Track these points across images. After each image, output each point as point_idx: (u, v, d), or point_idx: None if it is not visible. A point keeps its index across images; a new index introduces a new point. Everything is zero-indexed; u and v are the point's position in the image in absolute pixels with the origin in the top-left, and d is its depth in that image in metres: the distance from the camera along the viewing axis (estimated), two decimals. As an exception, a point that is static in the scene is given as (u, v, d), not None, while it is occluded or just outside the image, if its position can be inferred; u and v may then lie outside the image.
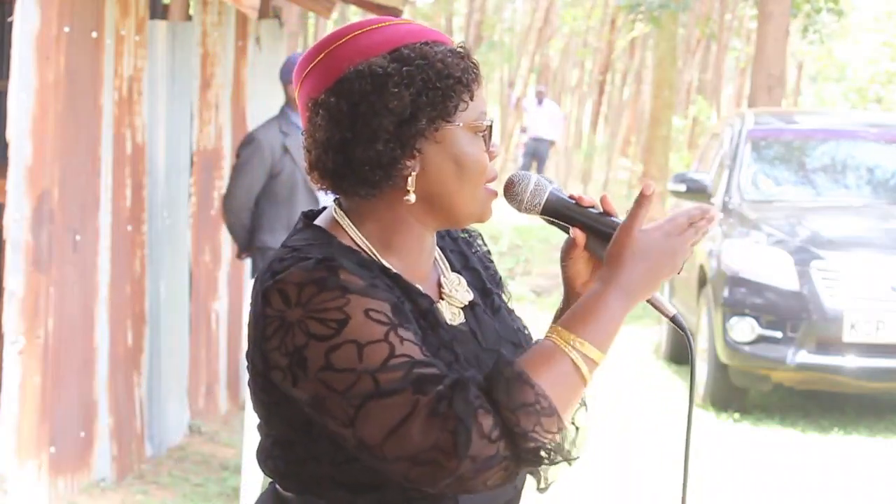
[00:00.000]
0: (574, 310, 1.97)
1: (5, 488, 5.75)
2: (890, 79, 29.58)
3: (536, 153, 25.37)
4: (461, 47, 2.06)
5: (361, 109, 1.98)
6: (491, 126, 2.06)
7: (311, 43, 27.64)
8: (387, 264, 2.03)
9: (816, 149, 10.73)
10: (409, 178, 2.00)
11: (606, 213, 2.06)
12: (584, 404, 2.13)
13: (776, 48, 13.93)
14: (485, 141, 2.05)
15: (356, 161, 2.00)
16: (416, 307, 2.01)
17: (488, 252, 2.26)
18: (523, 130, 25.66)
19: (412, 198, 2.01)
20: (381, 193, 2.02)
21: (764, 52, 13.94)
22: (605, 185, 28.53)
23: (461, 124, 2.02)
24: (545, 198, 2.07)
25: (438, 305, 2.07)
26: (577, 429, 2.11)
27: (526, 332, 2.19)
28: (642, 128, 26.57)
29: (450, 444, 1.85)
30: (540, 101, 25.58)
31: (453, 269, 2.16)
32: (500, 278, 2.24)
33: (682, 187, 10.20)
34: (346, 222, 2.05)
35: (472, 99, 2.03)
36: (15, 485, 5.77)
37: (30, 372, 5.77)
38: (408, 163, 2.00)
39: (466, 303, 2.11)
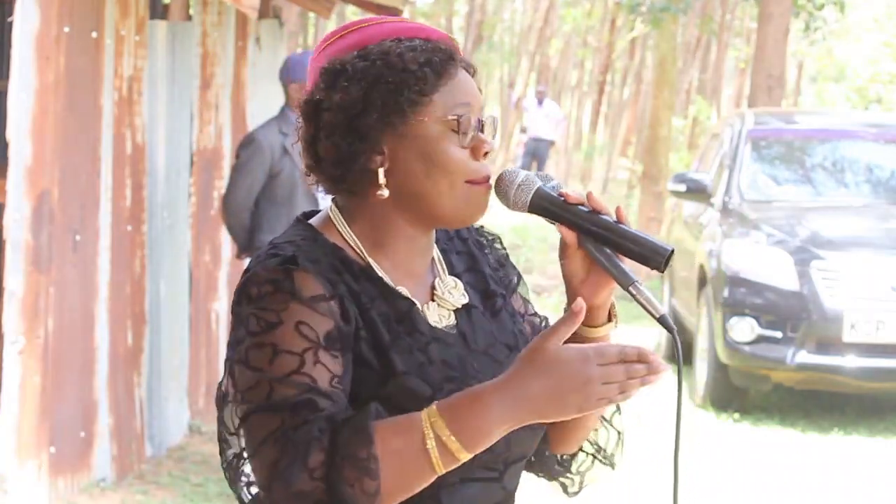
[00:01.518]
0: (460, 395, 1.88)
1: (5, 488, 5.75)
2: (891, 79, 29.57)
3: (536, 153, 25.37)
4: (439, 42, 2.06)
5: (321, 106, 2.02)
6: (471, 119, 2.03)
7: (311, 43, 27.65)
8: (373, 263, 2.03)
9: (816, 149, 10.72)
10: (379, 173, 2.01)
11: (595, 211, 2.02)
12: (619, 409, 2.18)
13: (776, 48, 13.92)
14: (463, 135, 2.03)
15: (320, 156, 2.03)
16: (394, 310, 2.01)
17: (506, 256, 2.22)
18: (523, 130, 25.67)
19: (384, 192, 2.01)
20: (363, 191, 2.04)
21: (764, 52, 13.94)
22: (605, 185, 28.52)
23: (426, 119, 2.01)
24: (531, 195, 2.03)
25: (425, 307, 2.06)
26: (618, 433, 2.17)
27: (523, 334, 2.15)
28: (642, 128, 26.55)
29: (278, 467, 1.85)
30: (540, 102, 25.58)
31: (453, 272, 2.14)
32: (516, 282, 2.21)
33: (682, 187, 10.20)
34: (338, 220, 2.07)
35: (434, 92, 2.01)
36: (15, 485, 5.77)
37: (30, 372, 5.77)
38: (374, 158, 2.01)
39: (459, 306, 2.09)
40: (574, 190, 2.01)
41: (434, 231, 2.11)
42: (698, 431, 8.64)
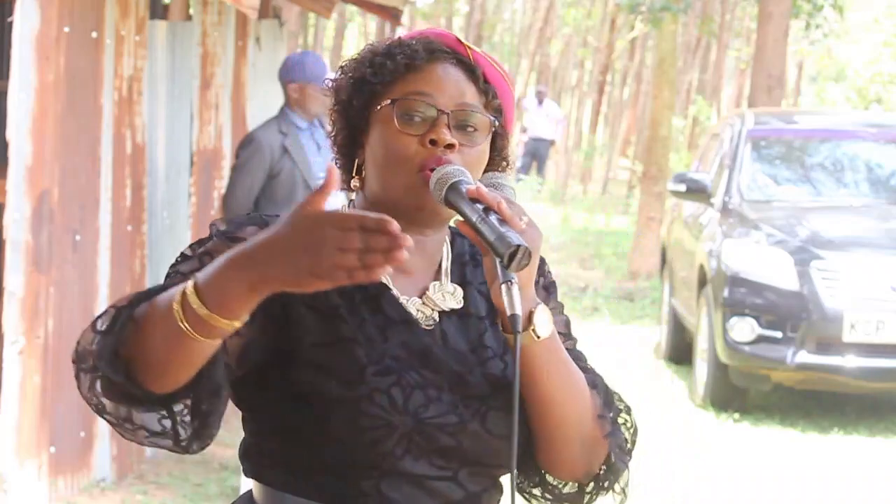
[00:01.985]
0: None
1: (5, 488, 5.75)
2: (891, 79, 29.57)
3: (536, 153, 25.39)
4: (428, 39, 2.12)
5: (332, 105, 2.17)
6: (417, 107, 2.07)
7: (311, 43, 27.64)
8: None
9: (816, 149, 10.73)
10: (359, 165, 2.13)
11: (504, 219, 1.97)
12: (629, 409, 2.18)
13: (776, 48, 13.92)
14: (406, 122, 2.07)
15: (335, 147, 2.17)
16: (360, 290, 2.07)
17: (551, 284, 2.21)
18: (523, 131, 25.69)
19: (355, 182, 2.12)
20: (359, 186, 2.14)
21: (764, 52, 13.94)
22: (605, 185, 28.52)
23: (381, 107, 2.09)
24: (444, 190, 2.02)
25: (407, 300, 2.10)
26: (635, 429, 2.18)
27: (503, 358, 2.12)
28: (642, 128, 26.56)
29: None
30: (540, 102, 25.58)
31: (462, 281, 2.16)
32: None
33: (682, 187, 10.20)
34: (339, 204, 2.17)
35: (395, 83, 2.08)
36: (15, 485, 5.77)
37: (30, 372, 5.77)
38: (359, 151, 2.13)
39: (447, 308, 2.12)
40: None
41: (440, 234, 2.14)
42: (698, 431, 8.64)
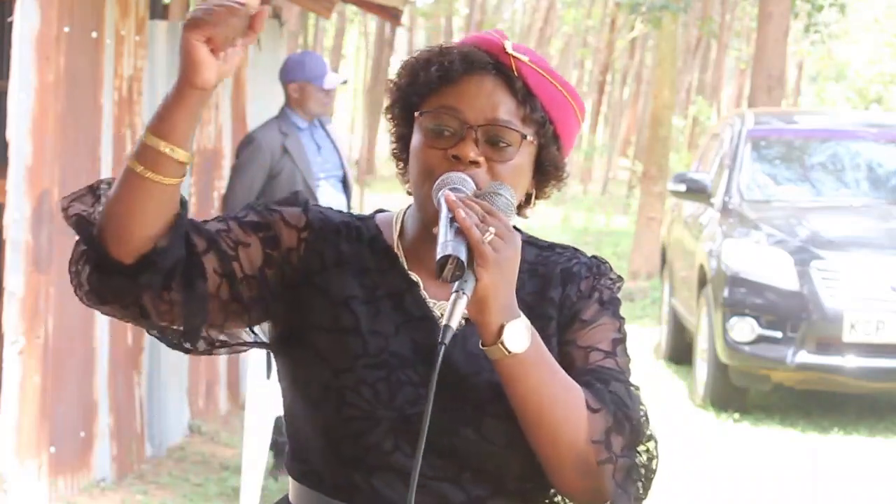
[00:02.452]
0: None
1: (5, 488, 5.75)
2: (892, 79, 29.57)
3: (536, 153, 25.34)
4: (469, 47, 2.12)
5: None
6: (442, 121, 2.08)
7: (311, 43, 27.64)
8: (399, 248, 2.14)
9: (816, 149, 10.73)
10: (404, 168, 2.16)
11: (461, 228, 1.96)
12: (651, 438, 2.14)
13: (776, 48, 13.92)
14: (435, 136, 2.08)
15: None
16: (387, 285, 2.09)
17: (609, 300, 2.15)
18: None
19: (408, 187, 2.15)
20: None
21: (764, 52, 13.94)
22: (605, 185, 28.53)
23: (417, 118, 2.11)
24: (436, 197, 2.03)
25: (436, 303, 2.10)
26: (652, 459, 2.13)
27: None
28: (642, 128, 26.56)
29: None
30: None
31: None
32: (592, 318, 2.12)
33: (682, 187, 10.20)
34: (401, 211, 2.20)
35: (432, 94, 2.10)
36: (15, 485, 5.77)
37: (30, 372, 5.77)
38: (405, 155, 2.15)
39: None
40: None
41: None
42: (698, 431, 8.64)
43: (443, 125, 2.08)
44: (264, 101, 8.20)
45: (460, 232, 1.94)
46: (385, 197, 24.04)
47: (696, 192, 10.15)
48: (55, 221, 5.78)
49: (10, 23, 5.73)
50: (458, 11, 36.23)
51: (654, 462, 2.12)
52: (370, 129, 29.66)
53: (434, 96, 2.09)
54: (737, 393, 9.20)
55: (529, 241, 2.18)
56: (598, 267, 2.18)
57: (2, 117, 6.05)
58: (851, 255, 8.96)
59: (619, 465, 2.03)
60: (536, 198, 2.18)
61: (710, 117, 27.30)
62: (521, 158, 2.10)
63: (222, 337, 2.13)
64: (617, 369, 2.09)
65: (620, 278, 2.21)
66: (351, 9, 24.07)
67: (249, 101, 8.26)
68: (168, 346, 2.13)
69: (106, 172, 6.23)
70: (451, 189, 2.02)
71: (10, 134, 5.71)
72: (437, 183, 2.04)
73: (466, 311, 1.97)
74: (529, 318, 2.05)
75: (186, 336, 2.09)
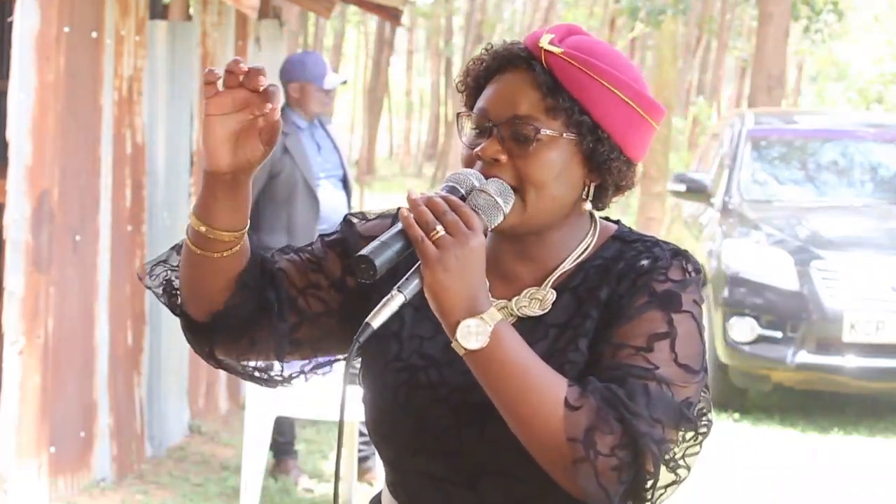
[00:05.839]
0: None
1: (5, 488, 5.75)
2: (893, 79, 29.54)
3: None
4: (510, 45, 2.12)
5: None
6: (467, 121, 2.10)
7: (311, 43, 27.62)
8: None
9: (816, 149, 10.73)
10: None
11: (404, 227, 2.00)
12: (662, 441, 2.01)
13: (776, 48, 13.92)
14: (477, 138, 2.09)
15: None
16: None
17: (662, 294, 2.08)
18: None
19: None
20: None
21: (764, 52, 13.94)
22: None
23: (457, 115, 2.14)
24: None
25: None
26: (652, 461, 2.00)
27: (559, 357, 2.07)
28: (642, 128, 26.47)
29: None
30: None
31: (567, 287, 2.10)
32: (638, 314, 2.06)
33: (682, 187, 10.21)
34: None
35: (477, 91, 2.12)
36: (15, 485, 5.77)
37: (30, 372, 5.76)
38: None
39: (522, 316, 2.08)
40: (413, 193, 1.98)
41: (549, 240, 2.10)
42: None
43: (476, 125, 2.10)
44: (264, 101, 8.19)
45: (403, 231, 1.94)
46: (385, 197, 24.04)
47: (696, 191, 10.15)
48: (55, 221, 5.78)
49: (10, 23, 5.73)
50: (458, 11, 36.23)
51: (672, 464, 2.01)
52: (370, 129, 29.67)
53: (478, 97, 2.12)
54: (737, 393, 9.21)
55: (618, 236, 2.15)
56: (664, 260, 2.10)
57: (2, 117, 6.05)
58: (851, 255, 8.96)
59: (602, 465, 1.92)
60: (603, 191, 2.12)
61: (710, 117, 27.29)
62: (552, 153, 2.05)
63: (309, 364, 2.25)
64: (644, 366, 2.00)
65: (698, 271, 2.13)
66: (351, 9, 24.07)
67: (249, 101, 8.24)
68: (267, 386, 2.27)
69: (106, 172, 6.23)
70: (447, 187, 2.02)
71: (10, 134, 5.71)
72: (444, 181, 2.06)
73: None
74: (572, 316, 2.06)
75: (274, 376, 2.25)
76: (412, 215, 1.93)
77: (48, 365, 5.80)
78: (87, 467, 6.19)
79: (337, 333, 2.18)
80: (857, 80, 32.70)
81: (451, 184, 2.02)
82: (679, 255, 2.12)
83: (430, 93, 39.61)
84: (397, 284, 1.94)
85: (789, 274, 8.92)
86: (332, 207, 6.82)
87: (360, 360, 2.19)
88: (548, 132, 2.04)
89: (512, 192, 2.04)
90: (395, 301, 1.94)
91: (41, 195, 5.72)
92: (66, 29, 5.74)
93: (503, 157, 2.05)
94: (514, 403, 1.95)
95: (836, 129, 11.06)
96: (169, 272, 2.22)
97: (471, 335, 1.93)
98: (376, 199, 21.84)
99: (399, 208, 1.99)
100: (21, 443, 5.78)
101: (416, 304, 2.04)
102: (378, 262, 1.93)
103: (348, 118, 35.24)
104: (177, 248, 2.20)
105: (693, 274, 2.13)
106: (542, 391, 1.95)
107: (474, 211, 1.98)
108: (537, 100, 2.05)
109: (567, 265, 2.11)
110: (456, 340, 1.94)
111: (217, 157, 2.07)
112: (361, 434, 6.48)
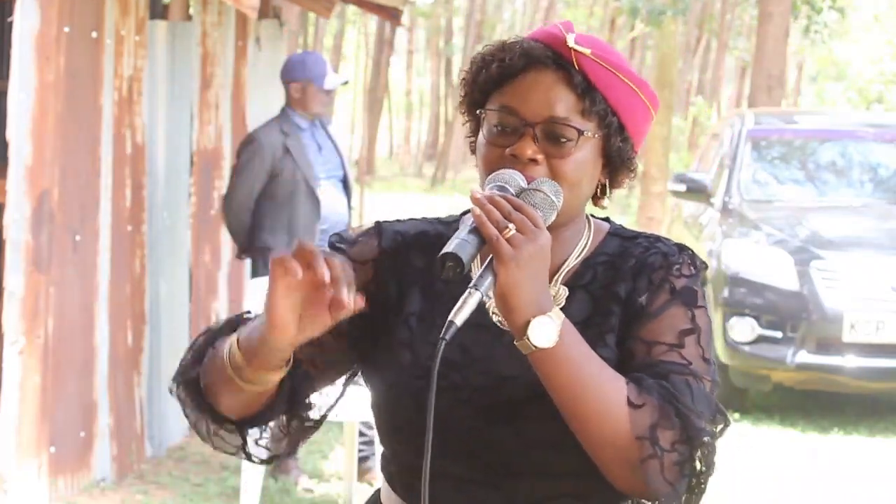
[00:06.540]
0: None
1: (5, 488, 5.75)
2: (893, 79, 29.54)
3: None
4: (531, 42, 2.11)
5: None
6: (495, 118, 2.08)
7: (311, 43, 27.63)
8: None
9: (816, 149, 10.73)
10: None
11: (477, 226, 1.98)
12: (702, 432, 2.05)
13: (776, 48, 13.93)
14: (491, 133, 2.09)
15: None
16: (455, 289, 2.00)
17: (682, 289, 2.09)
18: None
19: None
20: None
21: (764, 52, 13.94)
22: (605, 185, 28.45)
23: (480, 112, 2.12)
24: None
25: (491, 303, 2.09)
26: (707, 456, 2.05)
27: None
28: (642, 128, 26.49)
29: None
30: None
31: (577, 284, 2.11)
32: (658, 307, 2.07)
33: (682, 187, 10.21)
34: None
35: (495, 90, 2.09)
36: (15, 485, 5.77)
37: (30, 372, 5.76)
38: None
39: None
40: (476, 192, 1.98)
41: (558, 237, 2.09)
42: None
43: (502, 123, 2.07)
44: (264, 101, 8.21)
45: (477, 229, 1.93)
46: (385, 197, 24.04)
47: (696, 191, 10.16)
48: (55, 221, 5.78)
49: (10, 23, 5.73)
50: (459, 11, 36.24)
51: (712, 457, 2.04)
52: (370, 129, 29.67)
53: (496, 94, 2.09)
54: (736, 393, 9.20)
55: (614, 233, 2.18)
56: (675, 255, 2.12)
57: (2, 117, 6.05)
58: (851, 255, 8.96)
59: (668, 461, 1.97)
60: (611, 188, 2.18)
61: (710, 117, 27.30)
62: (584, 153, 2.08)
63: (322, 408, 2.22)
64: (681, 362, 2.03)
65: (704, 265, 2.15)
66: (351, 9, 24.06)
67: (249, 101, 8.26)
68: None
69: (106, 172, 6.24)
70: (496, 186, 2.01)
71: (10, 134, 5.71)
72: (486, 181, 2.04)
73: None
74: (592, 313, 2.07)
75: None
76: (483, 214, 1.92)
77: (48, 365, 5.80)
78: (87, 467, 6.19)
79: (346, 364, 2.19)
80: (856, 79, 32.70)
81: (499, 183, 2.02)
82: (684, 249, 2.15)
83: (430, 93, 39.63)
84: (472, 283, 1.94)
85: (789, 274, 8.92)
86: (333, 208, 6.83)
87: (364, 371, 2.18)
88: (588, 134, 2.07)
89: (561, 191, 2.05)
90: (473, 298, 1.93)
91: (41, 195, 5.72)
92: (66, 29, 5.74)
93: (540, 157, 2.06)
94: (580, 401, 1.97)
95: (836, 128, 11.07)
96: (192, 373, 2.13)
97: (542, 333, 1.94)
98: (376, 200, 21.84)
99: (481, 205, 1.94)
100: (21, 443, 5.78)
101: (420, 314, 2.07)
102: (465, 258, 1.93)
103: (348, 118, 35.26)
104: (201, 346, 2.13)
105: (698, 268, 2.15)
106: (606, 389, 1.97)
107: None
108: (573, 101, 2.07)
109: (572, 262, 2.13)
110: (526, 338, 1.94)
111: (284, 332, 1.93)
112: (361, 434, 6.48)
